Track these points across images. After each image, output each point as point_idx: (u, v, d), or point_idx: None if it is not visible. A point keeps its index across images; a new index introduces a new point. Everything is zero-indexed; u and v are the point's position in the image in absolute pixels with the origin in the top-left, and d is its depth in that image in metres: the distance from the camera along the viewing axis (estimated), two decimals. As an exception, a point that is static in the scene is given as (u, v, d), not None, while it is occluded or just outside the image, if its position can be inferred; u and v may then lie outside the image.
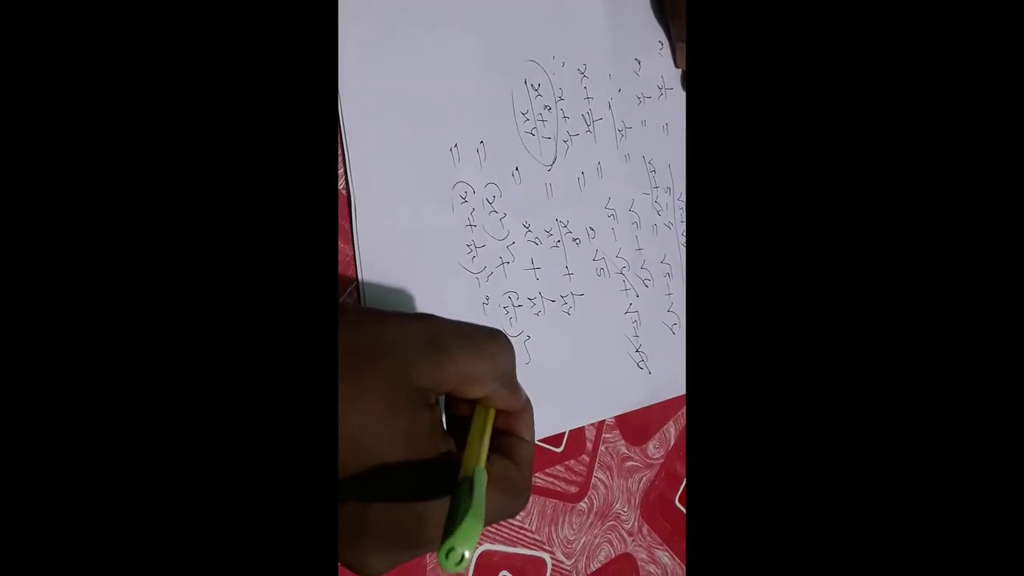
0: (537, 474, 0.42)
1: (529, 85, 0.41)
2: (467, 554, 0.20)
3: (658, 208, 0.48)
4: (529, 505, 0.41)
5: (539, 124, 0.42)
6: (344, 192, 0.34)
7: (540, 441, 0.42)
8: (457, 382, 0.25)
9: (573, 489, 0.44)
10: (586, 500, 0.44)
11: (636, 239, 0.46)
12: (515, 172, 0.40)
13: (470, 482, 0.22)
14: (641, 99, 0.47)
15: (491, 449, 0.26)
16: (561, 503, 0.43)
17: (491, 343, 0.26)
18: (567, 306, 0.42)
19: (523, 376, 0.40)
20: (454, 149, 0.38)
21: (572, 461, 0.43)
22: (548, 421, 0.42)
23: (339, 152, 0.34)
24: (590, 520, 0.45)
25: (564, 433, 0.43)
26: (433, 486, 0.23)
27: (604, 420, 0.45)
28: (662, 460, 0.49)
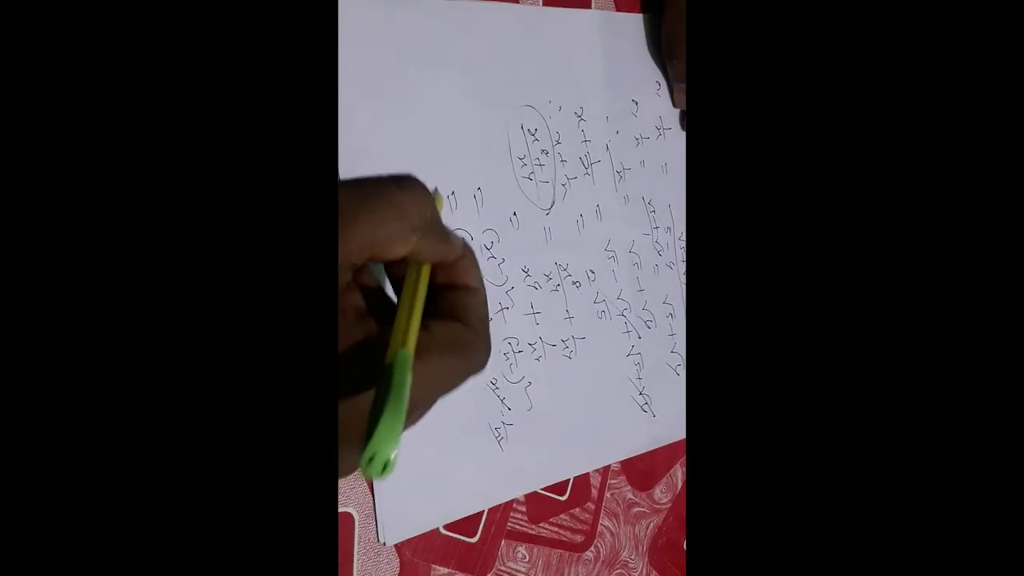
0: (541, 523, 0.41)
1: (525, 130, 0.41)
2: (391, 457, 0.18)
3: (659, 248, 0.47)
4: (534, 556, 0.40)
5: (536, 168, 0.41)
6: (339, 243, 0.34)
7: (543, 490, 0.41)
8: (367, 249, 0.22)
9: (579, 538, 0.43)
10: (592, 549, 0.43)
11: (637, 280, 0.46)
12: (513, 217, 0.40)
13: (390, 370, 0.20)
14: (640, 140, 0.47)
15: (435, 310, 0.24)
16: (567, 553, 0.42)
17: (397, 194, 0.22)
18: (568, 350, 0.42)
19: (525, 423, 0.39)
20: (451, 196, 0.38)
21: (577, 509, 0.42)
22: (552, 468, 0.41)
23: (334, 203, 0.34)
24: (597, 569, 0.43)
25: (568, 480, 0.42)
26: (361, 376, 0.21)
27: (609, 466, 0.44)
28: (670, 505, 0.47)
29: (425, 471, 0.35)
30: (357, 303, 0.23)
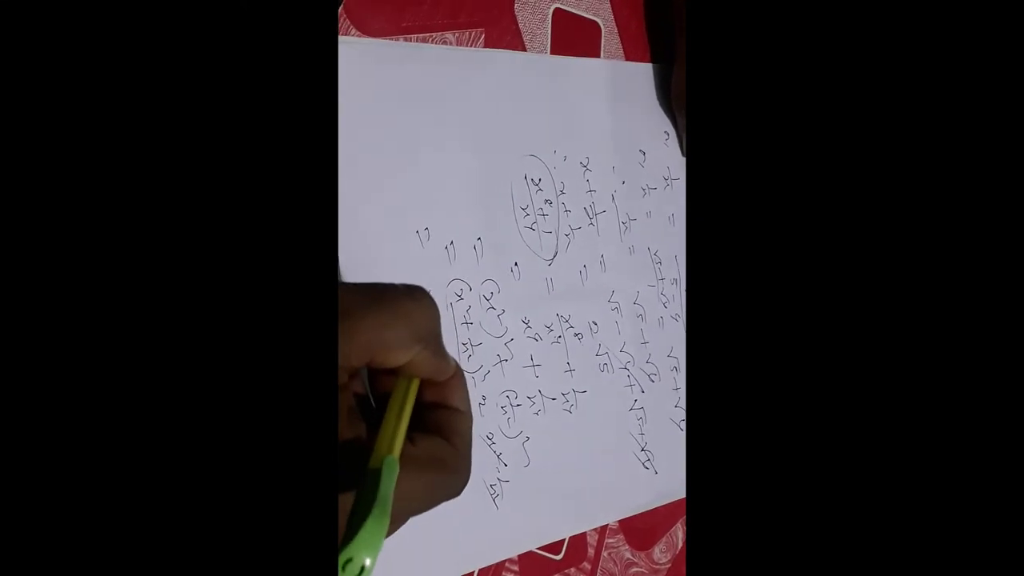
0: (535, 583, 0.40)
1: (529, 180, 0.41)
2: (368, 563, 0.18)
3: (664, 300, 0.46)
4: (527, 616, 0.39)
5: (539, 218, 0.41)
6: (335, 292, 0.34)
7: (538, 549, 0.40)
8: (369, 352, 0.22)
9: (574, 599, 0.41)
10: (588, 610, 0.42)
11: (641, 332, 0.45)
12: (514, 267, 0.40)
13: (377, 475, 0.19)
14: (646, 191, 0.46)
15: (421, 426, 0.24)
16: (561, 614, 0.41)
17: (407, 302, 0.23)
18: (568, 404, 0.41)
19: (521, 480, 0.38)
20: (450, 247, 0.37)
21: (572, 569, 0.41)
22: (548, 527, 0.40)
23: (331, 252, 0.34)
24: (592, 632, 0.42)
25: (564, 538, 0.41)
26: (343, 477, 0.20)
27: (607, 523, 0.43)
28: (669, 565, 0.46)
29: (416, 529, 0.34)
30: (350, 403, 0.22)
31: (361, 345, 0.21)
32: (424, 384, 0.25)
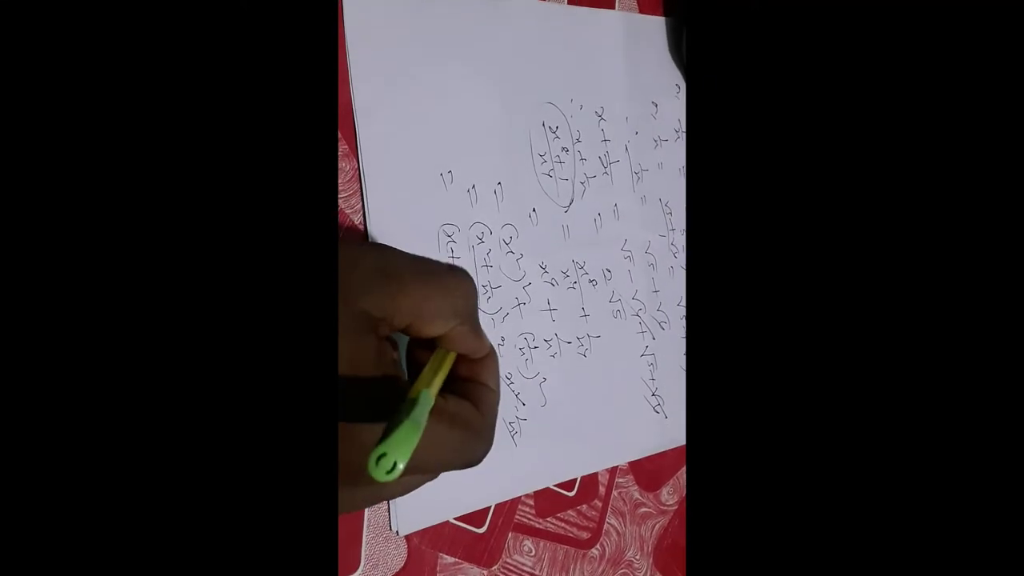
0: (548, 518, 0.41)
1: (547, 127, 0.41)
2: (400, 463, 0.18)
3: (674, 250, 0.47)
4: (540, 550, 0.41)
5: (556, 166, 0.42)
6: (362, 233, 0.34)
7: (552, 486, 0.41)
8: (411, 315, 0.23)
9: (585, 535, 0.43)
10: (598, 547, 0.43)
11: (653, 281, 0.46)
12: (532, 213, 0.40)
13: (413, 401, 0.20)
14: (658, 142, 0.47)
15: (452, 392, 0.24)
16: (572, 549, 0.42)
17: (449, 277, 0.24)
18: (583, 348, 0.42)
19: (539, 419, 0.39)
20: (472, 190, 0.38)
21: (584, 506, 0.43)
22: (564, 465, 0.41)
23: (358, 193, 0.34)
24: (602, 567, 0.44)
25: (576, 476, 0.42)
26: (375, 414, 0.21)
27: (617, 464, 0.44)
28: (676, 507, 0.48)
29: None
30: (385, 351, 0.23)
31: (403, 308, 0.23)
32: (458, 360, 0.26)
